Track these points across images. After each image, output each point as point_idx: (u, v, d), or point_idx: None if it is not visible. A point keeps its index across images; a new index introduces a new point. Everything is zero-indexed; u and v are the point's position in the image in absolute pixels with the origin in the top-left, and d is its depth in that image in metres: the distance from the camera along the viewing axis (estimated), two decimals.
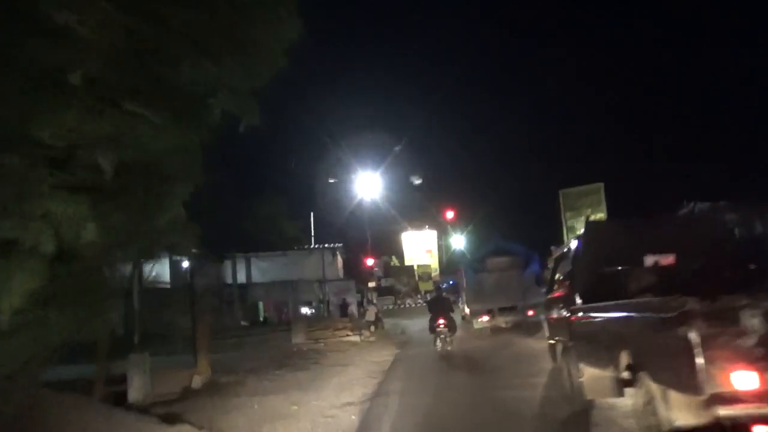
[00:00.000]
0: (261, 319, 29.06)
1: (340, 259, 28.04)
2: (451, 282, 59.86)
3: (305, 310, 37.28)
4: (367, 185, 31.20)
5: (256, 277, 26.24)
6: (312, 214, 33.95)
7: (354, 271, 34.89)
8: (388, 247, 58.20)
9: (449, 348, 13.86)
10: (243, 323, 24.34)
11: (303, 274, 26.60)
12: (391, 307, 50.36)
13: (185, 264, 21.71)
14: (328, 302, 32.60)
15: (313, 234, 32.23)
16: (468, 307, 21.55)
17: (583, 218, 59.60)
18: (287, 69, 6.02)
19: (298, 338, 18.62)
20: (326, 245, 28.24)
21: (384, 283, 51.95)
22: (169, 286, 20.65)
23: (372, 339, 20.95)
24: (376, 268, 38.10)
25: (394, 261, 63.01)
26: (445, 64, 69.49)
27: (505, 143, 73.28)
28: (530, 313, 19.27)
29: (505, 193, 64.40)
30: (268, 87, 6.18)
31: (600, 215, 54.06)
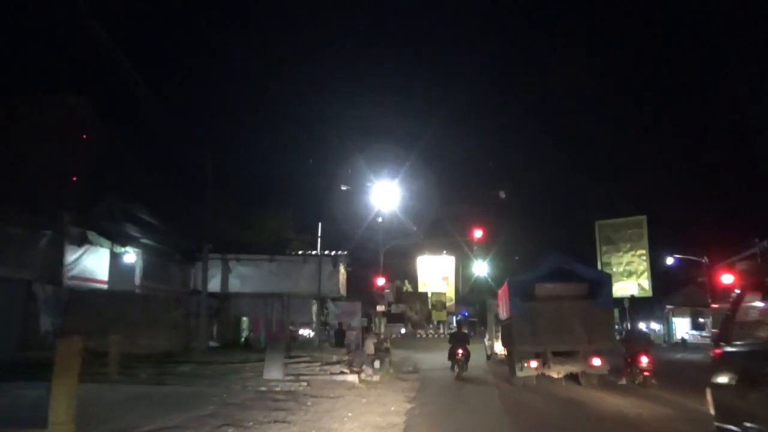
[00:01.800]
0: (242, 339, 23.69)
1: (342, 272, 22.75)
2: (464, 313, 55.22)
3: (306, 332, 31.97)
4: (383, 198, 27.08)
5: (235, 285, 20.95)
6: (320, 224, 29.10)
7: (360, 290, 29.83)
8: (401, 270, 53.51)
9: (464, 374, 16.82)
10: (211, 344, 18.94)
11: (296, 287, 21.30)
12: (400, 335, 45.19)
13: (129, 258, 16.54)
14: (326, 324, 27.43)
15: (319, 243, 27.31)
16: (509, 346, 16.11)
17: (621, 253, 51.46)
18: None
19: (273, 372, 13.27)
20: (326, 252, 22.89)
21: (395, 309, 46.99)
22: (106, 287, 15.49)
23: (375, 379, 15.63)
24: (387, 290, 32.86)
25: (407, 286, 58.43)
26: (475, 72, 64.86)
27: (537, 161, 68.04)
28: (596, 362, 14.23)
29: (539, 216, 58.77)
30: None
31: (641, 252, 47.98)
